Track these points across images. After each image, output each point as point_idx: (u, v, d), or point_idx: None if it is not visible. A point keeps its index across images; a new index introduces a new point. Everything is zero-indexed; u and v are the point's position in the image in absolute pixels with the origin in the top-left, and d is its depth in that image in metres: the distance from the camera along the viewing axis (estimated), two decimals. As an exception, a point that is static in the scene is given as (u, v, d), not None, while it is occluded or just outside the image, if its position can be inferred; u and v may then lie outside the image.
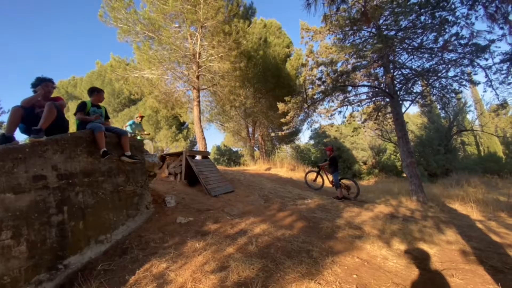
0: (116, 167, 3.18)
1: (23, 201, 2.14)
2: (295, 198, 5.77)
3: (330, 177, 7.18)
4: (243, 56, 8.60)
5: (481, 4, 7.40)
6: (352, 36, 9.88)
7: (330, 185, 7.42)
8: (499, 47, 12.51)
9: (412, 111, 36.23)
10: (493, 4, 6.64)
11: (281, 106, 9.87)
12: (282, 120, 10.07)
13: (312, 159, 23.42)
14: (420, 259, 3.24)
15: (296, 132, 18.33)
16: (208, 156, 5.95)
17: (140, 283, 2.12)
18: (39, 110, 2.73)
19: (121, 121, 20.10)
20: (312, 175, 8.22)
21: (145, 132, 6.95)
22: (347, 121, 11.63)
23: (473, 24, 8.11)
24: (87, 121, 3.13)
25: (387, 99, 9.69)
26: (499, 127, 29.39)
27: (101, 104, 3.57)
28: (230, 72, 8.30)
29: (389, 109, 10.77)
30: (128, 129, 6.67)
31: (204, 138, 8.11)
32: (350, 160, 22.38)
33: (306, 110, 10.20)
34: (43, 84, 2.91)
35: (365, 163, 22.75)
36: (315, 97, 9.73)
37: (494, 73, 8.64)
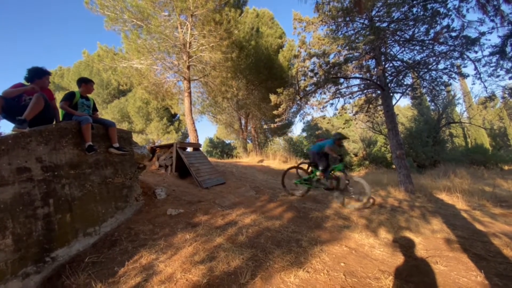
0: (104, 159, 3.13)
1: (7, 194, 2.08)
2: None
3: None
4: (235, 46, 8.45)
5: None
6: (344, 28, 9.83)
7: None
8: (489, 40, 12.66)
9: (402, 104, 36.75)
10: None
11: (273, 98, 9.83)
12: (275, 112, 10.06)
13: (305, 151, 23.63)
14: (406, 247, 3.35)
15: (288, 124, 18.38)
16: (200, 148, 5.91)
17: (129, 275, 2.12)
18: (28, 98, 2.64)
19: (111, 113, 19.71)
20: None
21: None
22: (338, 113, 11.71)
23: (464, 16, 8.18)
24: (71, 113, 3.04)
25: (378, 92, 9.77)
26: (487, 120, 30.17)
27: (89, 95, 3.46)
28: (221, 63, 8.17)
29: (380, 102, 10.89)
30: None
31: (195, 130, 8.03)
32: (342, 152, 22.68)
33: (298, 102, 10.20)
34: (44, 77, 2.85)
35: (356, 155, 23.11)
36: (307, 89, 9.72)
37: (483, 66, 8.77)
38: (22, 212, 2.14)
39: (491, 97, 9.64)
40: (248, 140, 20.40)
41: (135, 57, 7.35)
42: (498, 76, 8.84)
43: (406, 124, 20.54)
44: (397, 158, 8.45)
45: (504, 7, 7.01)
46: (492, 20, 7.72)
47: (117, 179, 3.22)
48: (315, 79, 9.25)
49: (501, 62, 8.38)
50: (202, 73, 9.05)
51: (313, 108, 10.79)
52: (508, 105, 26.23)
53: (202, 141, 28.91)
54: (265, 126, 14.83)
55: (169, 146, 5.33)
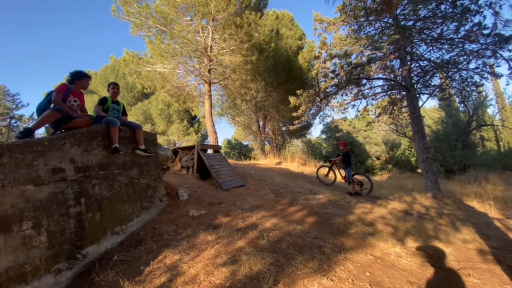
0: (131, 160, 3.25)
1: (43, 193, 2.22)
2: (306, 193, 5.73)
3: (343, 172, 7.07)
4: (255, 49, 8.49)
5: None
6: (367, 27, 9.57)
7: (343, 181, 7.32)
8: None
9: (428, 105, 34.97)
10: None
11: (292, 99, 9.74)
12: (294, 114, 9.96)
13: (324, 153, 23.18)
14: (435, 257, 3.16)
15: (307, 126, 18.12)
16: (220, 150, 5.97)
17: (155, 274, 2.18)
18: (73, 100, 2.86)
19: (135, 115, 20.55)
20: (324, 170, 8.12)
21: None
22: (360, 115, 11.37)
23: (498, 13, 7.66)
24: (103, 117, 3.19)
25: (403, 93, 9.37)
26: (523, 122, 27.89)
27: (120, 100, 3.63)
28: (241, 66, 8.23)
29: (404, 103, 10.43)
30: None
31: (215, 132, 8.14)
32: (363, 155, 22.00)
33: (318, 103, 10.03)
34: (83, 79, 3.06)
35: (378, 158, 22.31)
36: (327, 90, 9.53)
37: (519, 65, 8.15)
38: (57, 210, 2.27)
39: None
40: (265, 142, 20.38)
41: (158, 61, 7.60)
42: (535, 76, 8.17)
43: (433, 126, 19.53)
44: (423, 163, 8.04)
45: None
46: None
47: (143, 180, 3.33)
48: (336, 80, 9.05)
49: (541, 60, 7.73)
50: (222, 76, 9.17)
51: (333, 110, 10.57)
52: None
53: (221, 142, 29.31)
54: (283, 128, 14.71)
55: (191, 148, 5.45)
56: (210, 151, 5.73)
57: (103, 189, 2.76)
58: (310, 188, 6.37)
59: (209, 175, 4.96)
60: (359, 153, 21.91)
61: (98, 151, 2.83)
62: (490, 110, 22.64)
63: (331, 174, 7.82)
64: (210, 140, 8.06)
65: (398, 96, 10.44)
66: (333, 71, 8.99)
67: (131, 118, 20.68)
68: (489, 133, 22.86)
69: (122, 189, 2.99)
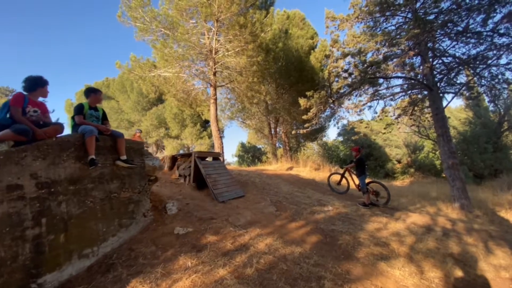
0: (110, 172, 2.96)
1: (-6, 214, 1.96)
2: (313, 204, 5.23)
3: (357, 180, 6.47)
4: (261, 49, 8.10)
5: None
6: (384, 23, 8.91)
7: (357, 189, 6.71)
8: None
9: (454, 105, 32.78)
10: None
11: (302, 101, 9.26)
12: (304, 117, 9.45)
13: (341, 156, 22.24)
14: (465, 293, 2.59)
15: (321, 129, 17.43)
16: (220, 157, 5.63)
17: (112, 313, 1.84)
18: (32, 111, 2.57)
19: (149, 119, 20.89)
20: (336, 177, 7.53)
21: None
22: (378, 116, 10.63)
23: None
24: (88, 125, 2.92)
25: (425, 92, 8.58)
26: None
27: (98, 105, 3.37)
28: (247, 67, 7.88)
29: (427, 103, 9.59)
30: None
31: (220, 137, 7.84)
32: (383, 158, 20.86)
33: (331, 105, 9.47)
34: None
35: (399, 162, 21.04)
36: (341, 91, 8.95)
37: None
38: (9, 234, 1.99)
39: None
40: (279, 145, 19.88)
41: (162, 65, 7.44)
42: None
43: (459, 127, 18.09)
44: (449, 169, 7.23)
45: None
46: None
47: (124, 194, 3.04)
48: (349, 80, 8.45)
49: None
50: (228, 79, 8.87)
51: (348, 112, 9.92)
52: None
53: (235, 146, 29.15)
54: (293, 132, 14.16)
55: (189, 155, 5.15)
56: (209, 158, 5.42)
57: (71, 206, 2.47)
58: (319, 198, 5.84)
59: (206, 185, 4.62)
60: (379, 157, 20.79)
61: (68, 164, 2.56)
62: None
63: (343, 182, 7.22)
64: (216, 146, 7.76)
65: (419, 96, 9.63)
66: (346, 70, 8.40)
67: (145, 122, 21.07)
68: (524, 135, 20.84)
69: (97, 205, 2.70)
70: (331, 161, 17.57)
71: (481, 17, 7.09)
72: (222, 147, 7.74)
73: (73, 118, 3.12)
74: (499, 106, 15.95)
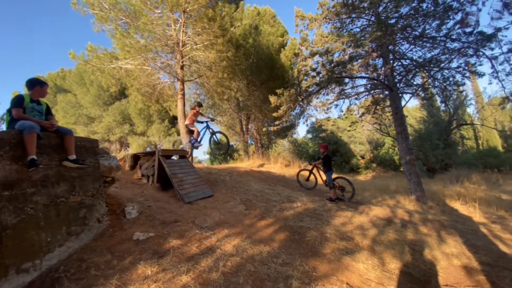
0: (56, 174, 2.62)
1: None
2: (283, 201, 5.25)
3: (324, 176, 6.66)
4: (231, 44, 7.91)
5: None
6: (350, 25, 9.25)
7: (324, 185, 6.91)
8: (506, 36, 11.76)
9: (411, 104, 35.60)
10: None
11: (273, 99, 9.29)
12: (274, 114, 9.51)
13: (310, 153, 22.94)
14: (422, 282, 2.75)
15: (291, 126, 17.75)
16: (186, 155, 5.39)
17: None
18: None
19: (112, 115, 19.47)
20: (305, 174, 7.70)
21: None
22: (344, 115, 11.10)
23: (480, 10, 7.51)
24: (29, 120, 2.53)
25: (386, 92, 9.12)
26: (498, 121, 28.91)
27: (42, 99, 2.96)
28: (216, 62, 7.64)
29: (387, 103, 10.23)
30: None
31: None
32: (348, 154, 21.93)
33: (301, 103, 9.63)
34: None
35: (363, 157, 22.32)
36: (309, 89, 9.14)
37: (501, 64, 8.04)
38: None
39: (509, 97, 8.88)
40: (251, 142, 19.86)
41: (123, 57, 6.89)
42: (517, 74, 8.10)
43: (415, 126, 19.69)
44: (407, 164, 7.79)
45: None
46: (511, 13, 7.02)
47: (74, 198, 2.71)
48: (317, 79, 8.66)
49: (522, 59, 7.64)
50: (197, 74, 8.54)
51: (316, 110, 10.19)
52: (523, 106, 25.00)
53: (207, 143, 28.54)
54: (263, 129, 14.23)
55: (152, 153, 4.83)
56: (175, 157, 5.15)
57: (6, 215, 2.13)
58: (289, 194, 5.90)
59: (172, 186, 4.37)
60: (344, 153, 21.82)
61: (2, 165, 2.20)
62: (470, 110, 23.21)
63: (312, 178, 7.41)
64: (184, 143, 7.43)
65: (381, 95, 10.22)
66: (314, 69, 8.59)
67: (107, 118, 19.60)
68: (468, 132, 23.42)
69: (39, 212, 2.37)
70: (301, 158, 18.02)
71: (436, 23, 7.65)
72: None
73: (9, 111, 2.69)
74: (449, 106, 17.63)
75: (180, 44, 7.35)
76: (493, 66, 7.73)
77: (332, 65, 8.31)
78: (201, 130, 6.93)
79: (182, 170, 4.61)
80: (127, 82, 7.96)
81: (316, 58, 8.88)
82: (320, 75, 8.62)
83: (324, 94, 9.70)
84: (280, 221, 3.94)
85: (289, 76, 11.82)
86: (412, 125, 19.74)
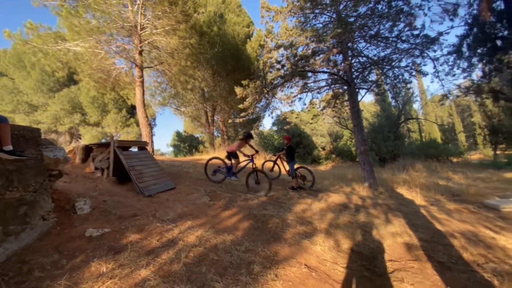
0: (-13, 167, 2.29)
1: None
2: (248, 191, 5.33)
3: (287, 166, 6.90)
4: (194, 31, 7.59)
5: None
6: (313, 20, 9.52)
7: (287, 174, 7.17)
8: (446, 40, 13.28)
9: (367, 100, 38.38)
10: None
11: (238, 90, 9.24)
12: (240, 106, 9.48)
13: (275, 145, 23.50)
14: (370, 259, 3.04)
15: (257, 118, 17.91)
16: (146, 146, 5.10)
17: None
18: None
19: (59, 103, 17.49)
20: (269, 164, 7.89)
21: None
22: (307, 108, 11.52)
23: (426, 14, 8.31)
24: None
25: (345, 87, 9.66)
26: (438, 116, 32.83)
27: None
28: (179, 49, 7.28)
29: (346, 97, 10.86)
30: None
31: (149, 124, 7.12)
32: (310, 146, 22.95)
33: (266, 95, 9.74)
34: None
35: (323, 149, 23.57)
36: (274, 82, 9.27)
37: (441, 65, 9.06)
38: None
39: (447, 95, 10.11)
40: (217, 134, 19.60)
41: (72, 38, 6.17)
42: (454, 75, 9.23)
43: (370, 119, 21.32)
44: (361, 154, 8.44)
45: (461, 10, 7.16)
46: (452, 20, 7.91)
47: (11, 194, 2.40)
48: (282, 71, 8.82)
49: (458, 61, 8.74)
50: (158, 60, 8.05)
51: (281, 103, 10.40)
52: (457, 103, 28.70)
53: (171, 134, 27.40)
54: (230, 121, 14.14)
55: (107, 144, 4.48)
56: (134, 148, 4.85)
57: None
58: (254, 185, 6.00)
59: (130, 179, 4.12)
60: (307, 144, 22.78)
61: None
62: (415, 105, 25.85)
63: (276, 168, 7.63)
64: (143, 134, 7.02)
65: (340, 90, 10.80)
66: (279, 62, 8.71)
67: (54, 107, 17.55)
68: (414, 126, 26.12)
69: (-34, 211, 2.06)
70: (267, 149, 18.36)
71: (389, 24, 8.25)
72: (152, 135, 7.06)
73: None
74: (398, 102, 19.44)
75: (138, 28, 6.84)
76: (435, 67, 8.67)
77: (296, 58, 8.52)
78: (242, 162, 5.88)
79: (141, 162, 4.36)
80: (76, 67, 7.17)
81: (281, 51, 9.01)
82: (285, 68, 8.79)
83: (288, 87, 9.94)
84: (244, 210, 4.00)
85: (255, 68, 11.84)
86: (367, 119, 21.34)
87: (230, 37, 12.12)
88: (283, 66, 8.77)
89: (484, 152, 23.83)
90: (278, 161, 7.47)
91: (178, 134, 25.79)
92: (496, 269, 2.84)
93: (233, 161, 5.65)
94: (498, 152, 18.77)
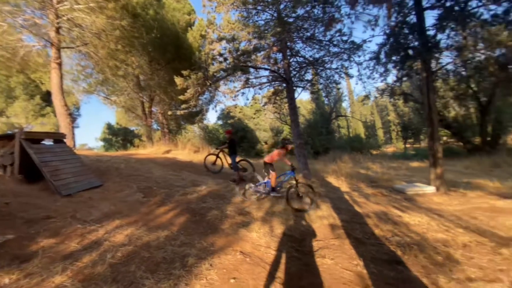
0: None
1: None
2: (188, 186, 5.20)
3: (229, 159, 6.98)
4: (126, 12, 6.85)
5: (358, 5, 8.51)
6: (255, 16, 9.70)
7: (230, 168, 7.25)
8: (369, 47, 15.31)
9: (305, 98, 41.38)
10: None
11: (179, 80, 8.82)
12: (181, 97, 9.07)
13: (221, 139, 23.37)
14: (299, 240, 3.36)
15: (201, 111, 17.44)
16: (64, 139, 4.40)
17: None
18: None
19: None
20: (211, 158, 7.80)
21: None
22: (250, 103, 11.78)
23: (353, 22, 9.38)
24: None
25: (284, 85, 10.22)
26: (362, 114, 37.80)
27: None
28: (108, 31, 6.47)
29: (285, 94, 11.52)
30: None
31: (70, 114, 6.17)
32: (254, 140, 23.61)
33: (209, 88, 9.55)
34: None
35: (266, 143, 24.56)
36: (217, 75, 9.15)
37: (364, 69, 10.37)
38: None
39: (368, 96, 11.71)
40: (157, 127, 18.30)
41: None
42: (374, 78, 10.69)
43: (307, 116, 23.12)
44: (297, 148, 9.11)
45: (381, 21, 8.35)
46: (373, 29, 9.11)
47: None
48: (225, 65, 8.76)
49: (377, 66, 10.16)
50: (81, 41, 6.99)
51: (225, 96, 10.36)
52: (377, 103, 33.51)
53: (102, 126, 24.36)
54: (169, 113, 13.40)
55: (11, 137, 3.70)
56: (49, 141, 4.13)
57: None
58: (194, 179, 5.89)
59: (43, 177, 3.53)
60: (251, 139, 23.37)
61: None
62: (344, 104, 29.15)
63: (218, 162, 7.62)
64: (62, 125, 6.05)
65: (280, 87, 11.39)
66: (221, 55, 8.63)
67: None
68: (343, 122, 29.45)
69: None
70: (212, 144, 18.12)
71: (322, 28, 9.01)
72: (73, 127, 6.14)
73: None
74: (330, 100, 21.63)
75: (54, 0, 5.80)
76: (359, 70, 9.88)
77: (239, 53, 8.57)
78: (282, 175, 5.19)
79: (57, 157, 3.76)
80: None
81: (224, 43, 8.93)
82: (227, 61, 8.76)
83: (232, 81, 9.96)
84: (182, 205, 3.90)
85: (197, 58, 11.46)
86: (304, 115, 23.09)
87: (170, 23, 11.37)
88: (225, 59, 8.72)
89: (396, 145, 28.50)
90: (220, 155, 7.47)
91: (109, 126, 23.13)
92: (400, 241, 3.43)
93: (270, 172, 4.98)
94: (407, 145, 22.68)
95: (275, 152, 4.96)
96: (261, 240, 3.18)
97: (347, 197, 6.47)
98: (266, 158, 5.06)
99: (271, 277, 2.36)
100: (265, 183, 4.94)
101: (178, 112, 9.94)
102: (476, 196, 5.83)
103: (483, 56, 8.50)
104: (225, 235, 3.12)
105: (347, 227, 4.01)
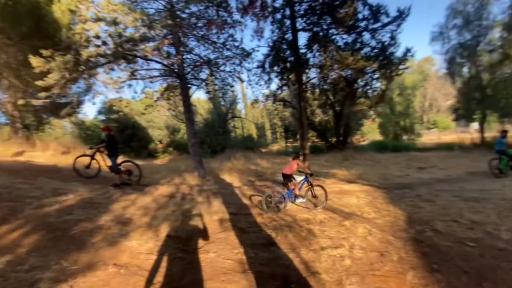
0: None
1: None
2: (46, 196, 4.14)
3: (109, 161, 6.03)
4: None
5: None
6: (145, 3, 8.83)
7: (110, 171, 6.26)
8: (257, 56, 16.94)
9: (203, 96, 41.27)
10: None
11: (36, 61, 6.93)
12: (39, 83, 7.11)
13: (103, 137, 19.77)
14: (186, 240, 3.34)
15: (71, 102, 14.17)
16: None
17: None
18: None
19: None
20: (85, 160, 6.47)
21: None
22: (138, 97, 10.63)
23: (243, 30, 10.13)
24: None
25: (178, 81, 9.83)
26: (254, 116, 41.48)
27: None
28: None
29: (180, 91, 11.12)
30: None
31: None
32: (146, 139, 21.44)
33: (84, 75, 7.91)
34: None
35: (161, 142, 22.83)
36: (93, 60, 7.69)
37: (253, 75, 11.41)
38: None
39: (257, 100, 12.98)
40: (5, 121, 13.54)
41: None
42: (260, 84, 11.95)
43: (204, 115, 23.18)
44: (192, 147, 9.00)
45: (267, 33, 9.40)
46: (259, 40, 10.16)
47: None
48: (104, 49, 7.48)
49: (262, 74, 11.42)
50: None
51: (106, 87, 8.85)
52: (266, 107, 37.59)
53: None
54: (21, 102, 10.22)
55: None
56: None
57: None
58: (56, 187, 4.75)
59: None
60: (142, 137, 21.10)
61: None
62: (239, 106, 31.02)
63: (94, 165, 6.43)
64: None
65: (174, 83, 10.88)
66: (98, 37, 7.32)
67: None
68: (238, 123, 31.31)
69: None
70: (90, 143, 15.08)
71: (215, 30, 9.23)
72: None
73: None
74: (226, 101, 22.55)
75: None
76: (248, 76, 10.82)
77: (122, 39, 7.54)
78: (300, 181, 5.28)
79: None
80: None
81: (103, 25, 7.62)
82: (108, 46, 7.53)
83: (114, 70, 8.65)
84: (34, 221, 3.08)
85: (64, 37, 9.26)
86: (202, 115, 23.05)
87: (24, -13, 8.66)
88: (104, 43, 7.46)
89: (280, 144, 32.86)
90: (97, 156, 6.32)
91: None
92: (275, 226, 3.98)
93: (293, 182, 5.21)
94: (288, 144, 26.44)
95: (293, 162, 5.29)
96: (142, 247, 2.96)
97: (238, 191, 6.92)
98: (285, 170, 5.35)
99: (149, 283, 2.24)
100: (287, 194, 5.15)
101: (35, 102, 7.75)
102: (331, 182, 7.56)
103: (337, 74, 11.15)
104: (96, 249, 2.71)
105: (233, 219, 4.30)
